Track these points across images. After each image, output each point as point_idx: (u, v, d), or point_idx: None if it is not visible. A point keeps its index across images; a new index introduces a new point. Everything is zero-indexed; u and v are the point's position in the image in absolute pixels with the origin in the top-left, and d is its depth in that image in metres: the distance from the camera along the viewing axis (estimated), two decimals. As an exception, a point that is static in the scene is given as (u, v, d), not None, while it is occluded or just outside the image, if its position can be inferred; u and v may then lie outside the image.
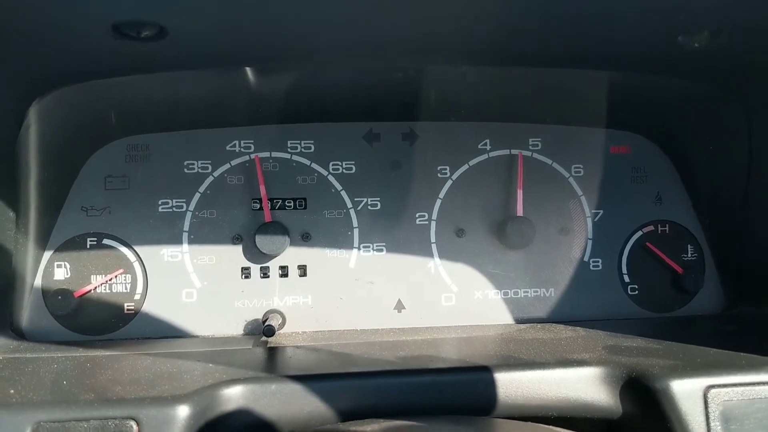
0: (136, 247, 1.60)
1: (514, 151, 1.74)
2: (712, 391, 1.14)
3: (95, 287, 1.57)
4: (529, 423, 1.11)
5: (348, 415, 1.15)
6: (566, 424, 1.21)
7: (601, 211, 1.75)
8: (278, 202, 1.64)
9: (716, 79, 1.50)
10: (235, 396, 1.13)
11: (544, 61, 1.43)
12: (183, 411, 1.05)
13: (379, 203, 1.69)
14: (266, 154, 1.66)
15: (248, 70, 1.40)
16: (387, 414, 1.15)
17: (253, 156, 1.65)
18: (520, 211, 1.68)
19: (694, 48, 1.27)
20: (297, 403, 1.15)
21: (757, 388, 1.15)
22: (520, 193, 1.69)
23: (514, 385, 1.20)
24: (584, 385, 1.21)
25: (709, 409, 1.13)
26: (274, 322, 1.50)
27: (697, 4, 1.12)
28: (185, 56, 1.28)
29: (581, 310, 1.71)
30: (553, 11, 1.14)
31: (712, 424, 1.12)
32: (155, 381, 1.16)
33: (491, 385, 1.21)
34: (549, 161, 1.75)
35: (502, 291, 1.70)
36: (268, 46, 1.27)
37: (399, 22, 1.18)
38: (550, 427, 1.09)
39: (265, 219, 1.61)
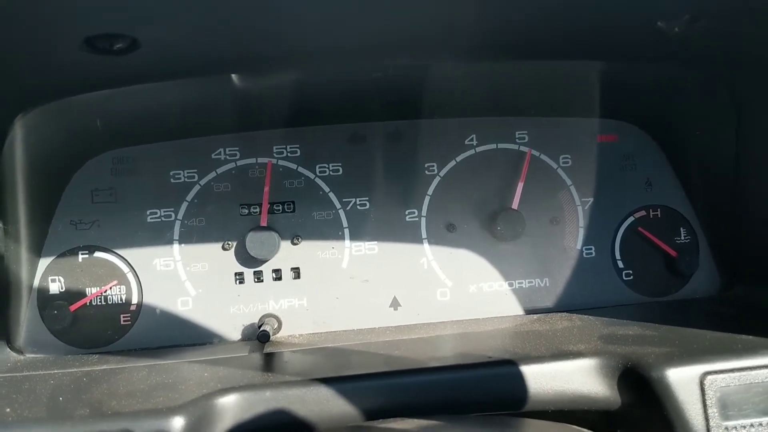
0: (128, 258, 1.59)
1: (501, 146, 1.74)
2: (709, 377, 1.14)
3: (90, 300, 1.57)
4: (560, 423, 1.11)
5: (345, 418, 1.15)
6: (565, 416, 1.21)
7: (591, 199, 1.75)
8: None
9: (701, 63, 1.49)
10: (230, 405, 1.13)
11: (526, 54, 1.43)
12: (178, 422, 1.06)
13: (367, 203, 1.68)
14: (252, 161, 1.66)
15: (230, 77, 1.39)
16: (383, 415, 1.15)
17: (239, 163, 1.65)
18: (516, 204, 1.68)
19: (675, 33, 1.26)
20: (293, 409, 1.15)
21: (753, 372, 1.15)
22: (520, 186, 1.69)
23: (511, 381, 1.21)
24: (581, 377, 1.21)
25: (706, 396, 1.13)
26: (269, 327, 1.50)
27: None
28: (162, 67, 1.27)
29: (576, 299, 1.71)
30: (532, 2, 1.13)
31: (709, 411, 1.12)
32: (150, 393, 1.16)
33: (489, 381, 1.22)
34: (537, 153, 1.75)
35: (497, 283, 1.70)
36: (245, 53, 1.27)
37: (383, 21, 1.17)
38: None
39: (261, 223, 1.61)
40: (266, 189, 1.62)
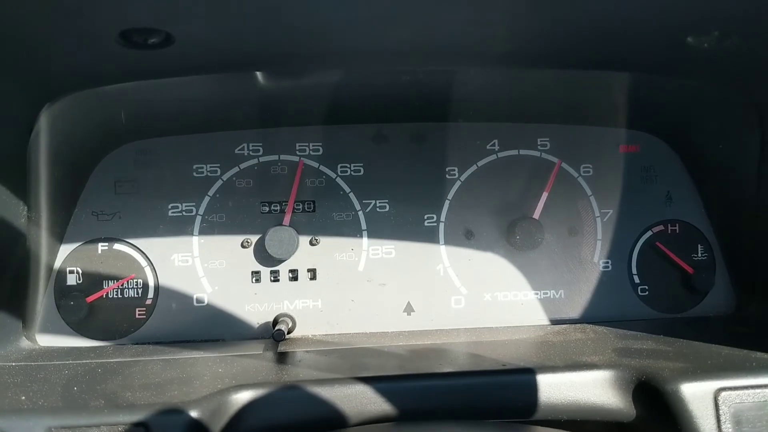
0: (146, 252, 1.60)
1: (523, 152, 1.74)
2: (723, 393, 1.14)
3: (107, 292, 1.58)
4: None
5: (357, 419, 1.15)
6: (577, 427, 1.21)
7: (611, 211, 1.74)
8: (287, 204, 1.64)
9: (727, 79, 1.48)
10: (244, 401, 1.14)
11: (555, 63, 1.43)
12: (192, 416, 1.06)
13: (387, 205, 1.68)
14: (274, 157, 1.66)
15: (257, 74, 1.40)
16: (396, 418, 1.15)
17: (262, 159, 1.66)
18: (537, 214, 1.68)
19: (704, 49, 1.26)
20: (307, 409, 1.15)
21: (768, 390, 1.15)
22: (544, 196, 1.70)
23: (526, 389, 1.20)
24: (596, 388, 1.21)
25: (720, 412, 1.12)
26: (284, 326, 1.51)
27: (706, 5, 1.11)
28: (193, 62, 1.28)
29: (591, 312, 1.71)
30: (562, 14, 1.13)
31: (723, 427, 1.12)
32: (165, 386, 1.17)
33: (503, 389, 1.21)
34: (558, 161, 1.74)
35: (512, 293, 1.70)
36: (277, 52, 1.27)
37: (417, 25, 1.18)
38: None
39: (284, 222, 1.62)
40: (294, 188, 1.64)
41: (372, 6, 1.07)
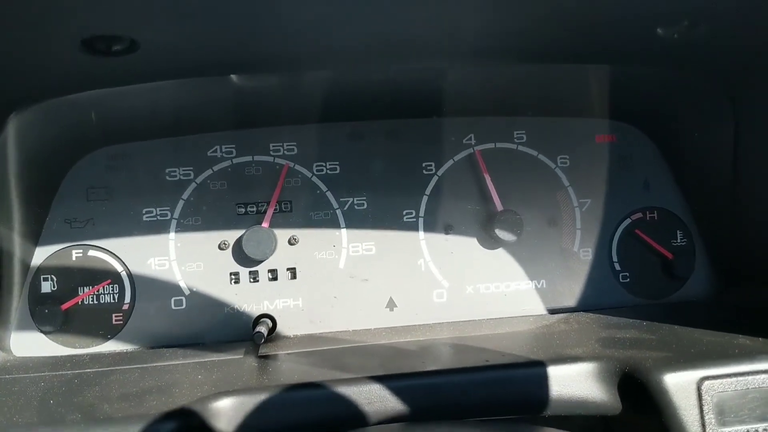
0: (122, 257, 1.58)
1: (499, 145, 1.73)
2: (706, 383, 1.14)
3: (82, 299, 1.55)
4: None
5: (342, 422, 1.14)
6: (562, 421, 1.21)
7: (589, 201, 1.74)
8: (263, 205, 1.62)
9: (701, 69, 1.49)
10: (224, 408, 1.12)
11: (528, 57, 1.42)
12: (171, 427, 1.04)
13: (365, 203, 1.67)
14: (248, 158, 1.64)
15: (228, 77, 1.38)
16: (379, 419, 1.14)
17: (235, 161, 1.64)
18: (499, 206, 1.68)
19: (675, 39, 1.26)
20: (289, 414, 1.14)
21: (750, 378, 1.15)
22: (491, 188, 1.69)
23: (510, 385, 1.20)
24: (580, 382, 1.20)
25: (703, 402, 1.13)
26: (263, 328, 1.49)
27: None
28: (159, 68, 1.26)
29: (573, 301, 1.71)
30: (534, 9, 1.13)
31: (706, 416, 1.12)
32: (143, 396, 1.15)
33: (487, 385, 1.20)
34: (534, 153, 1.74)
35: (494, 285, 1.69)
36: (245, 54, 1.26)
37: (388, 25, 1.17)
38: None
39: (263, 224, 1.60)
40: (277, 191, 1.62)
41: (343, 4, 1.05)
